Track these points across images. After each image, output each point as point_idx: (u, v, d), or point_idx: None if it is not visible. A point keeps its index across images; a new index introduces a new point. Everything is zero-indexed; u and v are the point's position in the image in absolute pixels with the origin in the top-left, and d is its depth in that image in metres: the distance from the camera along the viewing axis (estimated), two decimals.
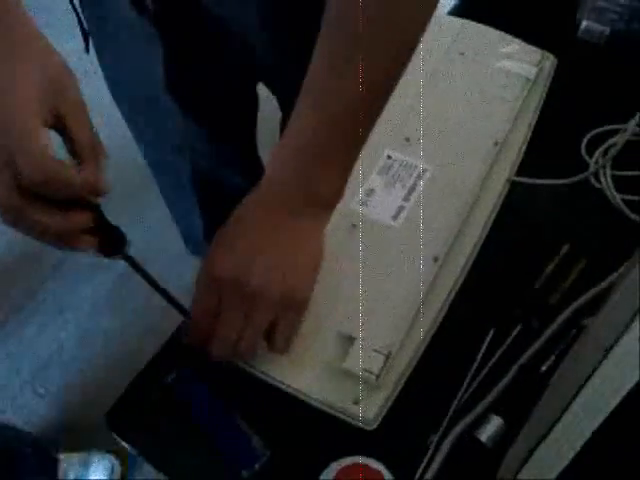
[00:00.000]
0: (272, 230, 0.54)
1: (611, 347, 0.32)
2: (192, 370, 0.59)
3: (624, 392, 0.32)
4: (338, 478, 0.46)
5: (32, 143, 0.44)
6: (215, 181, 0.98)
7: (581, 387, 0.33)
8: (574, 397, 0.33)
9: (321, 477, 0.48)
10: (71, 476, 1.28)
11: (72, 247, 0.48)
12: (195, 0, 0.69)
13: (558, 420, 0.35)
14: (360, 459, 0.47)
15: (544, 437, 0.36)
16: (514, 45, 0.77)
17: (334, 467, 0.47)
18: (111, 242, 0.51)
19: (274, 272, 0.53)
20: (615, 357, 0.32)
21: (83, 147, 0.48)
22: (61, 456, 1.28)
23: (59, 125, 0.47)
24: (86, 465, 1.28)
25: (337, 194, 0.56)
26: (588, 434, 0.34)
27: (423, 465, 0.52)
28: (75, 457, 1.29)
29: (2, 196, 0.45)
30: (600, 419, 0.33)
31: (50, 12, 1.16)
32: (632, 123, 0.69)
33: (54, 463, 1.26)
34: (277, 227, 0.54)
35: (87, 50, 0.75)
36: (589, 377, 0.32)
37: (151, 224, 1.58)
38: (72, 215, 0.47)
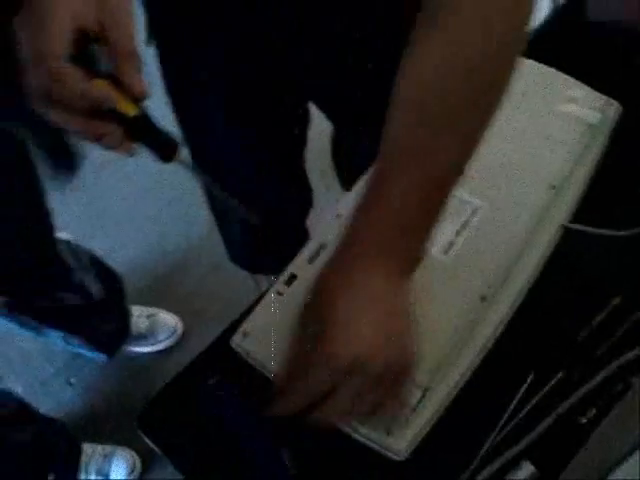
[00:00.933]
0: (379, 301, 0.51)
1: None
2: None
3: None
4: None
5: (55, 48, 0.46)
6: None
7: (627, 455, 0.32)
8: (618, 462, 0.33)
9: None
10: (93, 467, 1.30)
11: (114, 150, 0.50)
12: None
13: None
14: None
15: None
16: (578, 89, 0.77)
17: None
18: (163, 148, 0.52)
19: (391, 349, 0.49)
20: None
21: (123, 54, 0.49)
22: (86, 446, 1.31)
23: (103, 34, 0.49)
24: (108, 458, 1.30)
25: (424, 251, 0.54)
26: None
27: None
28: (99, 448, 1.32)
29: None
30: None
31: None
32: None
33: (79, 452, 1.28)
34: (380, 297, 0.51)
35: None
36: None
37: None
38: (96, 124, 0.49)
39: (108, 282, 1.31)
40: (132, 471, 1.30)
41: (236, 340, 0.60)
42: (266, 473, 0.54)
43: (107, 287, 1.30)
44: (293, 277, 0.63)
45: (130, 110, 0.50)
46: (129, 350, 1.41)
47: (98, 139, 0.50)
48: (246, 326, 0.61)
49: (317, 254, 0.64)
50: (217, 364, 0.62)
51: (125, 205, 1.70)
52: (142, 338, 1.40)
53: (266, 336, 0.59)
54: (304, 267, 0.63)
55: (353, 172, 0.70)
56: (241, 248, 1.16)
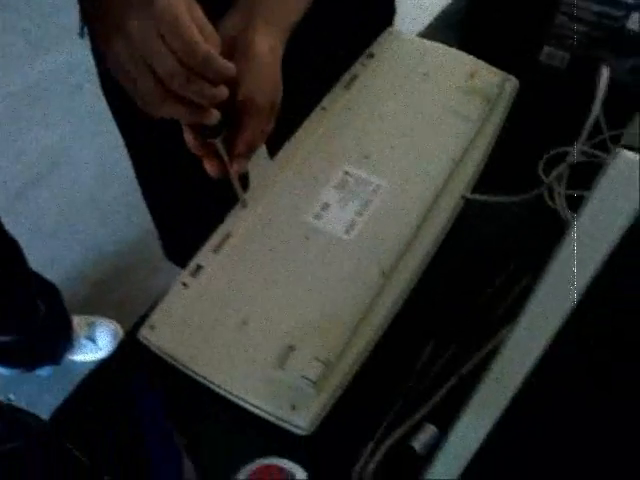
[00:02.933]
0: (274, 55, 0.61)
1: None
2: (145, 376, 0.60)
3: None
4: (251, 478, 0.47)
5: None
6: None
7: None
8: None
9: (236, 477, 0.48)
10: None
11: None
12: None
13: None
14: (275, 460, 0.48)
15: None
16: (477, 66, 0.79)
17: (248, 468, 0.48)
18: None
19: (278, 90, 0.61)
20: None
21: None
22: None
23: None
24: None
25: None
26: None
27: (357, 472, 0.53)
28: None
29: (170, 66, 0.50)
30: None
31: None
32: (579, 143, 0.70)
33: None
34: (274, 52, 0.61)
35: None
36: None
37: None
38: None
39: (47, 295, 1.30)
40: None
41: (143, 333, 0.61)
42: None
43: (46, 300, 1.29)
44: (199, 268, 0.63)
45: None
46: (72, 360, 1.40)
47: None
48: (153, 319, 0.61)
49: (222, 244, 0.64)
50: (128, 359, 0.62)
51: (59, 219, 1.70)
52: (83, 346, 1.40)
53: (173, 328, 0.60)
54: (209, 257, 0.63)
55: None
56: (178, 243, 1.16)
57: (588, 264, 0.29)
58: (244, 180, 0.73)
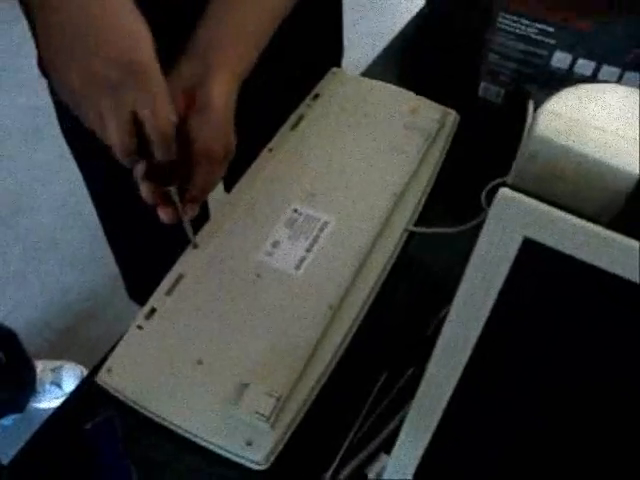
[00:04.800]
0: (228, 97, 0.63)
1: None
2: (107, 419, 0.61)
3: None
4: None
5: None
6: None
7: None
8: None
9: None
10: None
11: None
12: None
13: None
14: None
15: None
16: (418, 102, 0.82)
17: None
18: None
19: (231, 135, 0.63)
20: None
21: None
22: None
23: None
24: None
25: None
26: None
27: None
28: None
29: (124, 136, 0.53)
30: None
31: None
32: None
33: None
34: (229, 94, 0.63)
35: None
36: None
37: None
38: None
39: (5, 343, 1.29)
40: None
41: (101, 377, 0.62)
42: None
43: (5, 349, 1.28)
44: (153, 311, 0.65)
45: None
46: (36, 407, 1.39)
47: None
48: (110, 362, 0.62)
49: (174, 286, 0.66)
50: (87, 403, 0.63)
51: (21, 264, 1.70)
52: (48, 392, 1.39)
53: (129, 370, 0.61)
54: (162, 300, 0.65)
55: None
56: (141, 283, 1.17)
57: (485, 295, 0.32)
58: (204, 215, 0.74)
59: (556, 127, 0.47)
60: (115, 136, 0.54)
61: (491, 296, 0.32)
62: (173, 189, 0.61)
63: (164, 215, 0.63)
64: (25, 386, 1.35)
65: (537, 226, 0.30)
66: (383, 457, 0.57)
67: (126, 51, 0.52)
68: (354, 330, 0.63)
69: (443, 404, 0.37)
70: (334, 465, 0.57)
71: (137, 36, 0.53)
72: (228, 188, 0.77)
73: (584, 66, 0.71)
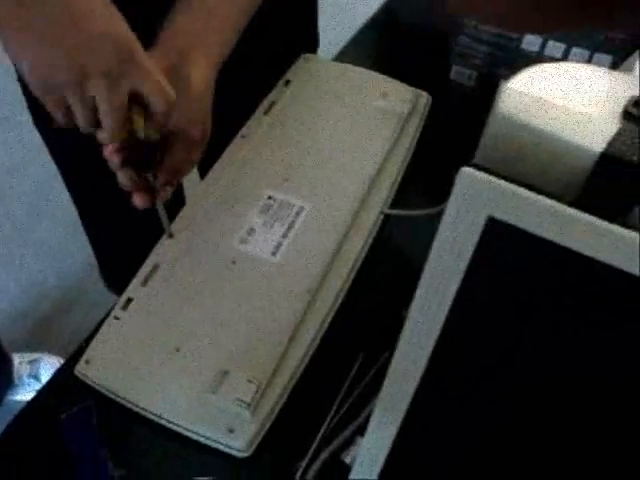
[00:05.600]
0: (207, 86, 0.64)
1: None
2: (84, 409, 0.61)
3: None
4: None
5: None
6: None
7: None
8: None
9: None
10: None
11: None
12: None
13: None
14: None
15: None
16: (390, 84, 0.82)
17: None
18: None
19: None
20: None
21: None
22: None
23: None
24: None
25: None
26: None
27: None
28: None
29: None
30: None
31: None
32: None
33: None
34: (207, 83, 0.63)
35: None
36: None
37: None
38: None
39: None
40: None
41: (79, 368, 0.62)
42: None
43: None
44: (129, 300, 0.64)
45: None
46: (13, 399, 1.38)
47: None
48: (88, 354, 0.62)
49: (150, 275, 0.66)
50: (64, 394, 0.63)
51: None
52: (26, 385, 1.38)
53: (107, 360, 0.61)
54: (138, 290, 0.65)
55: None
56: (117, 272, 1.17)
57: (451, 276, 0.32)
58: (180, 202, 0.74)
59: (518, 105, 0.48)
60: (109, 119, 0.53)
61: (456, 276, 0.32)
62: (150, 174, 0.60)
63: (139, 201, 0.62)
64: (1, 379, 1.34)
65: (501, 205, 0.30)
66: (360, 441, 0.57)
67: (112, 29, 0.52)
68: (332, 314, 0.64)
69: (411, 389, 0.37)
70: (311, 450, 0.57)
71: (118, 16, 0.53)
72: (202, 174, 0.76)
73: (554, 48, 0.72)
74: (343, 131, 0.78)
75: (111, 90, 0.52)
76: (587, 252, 0.28)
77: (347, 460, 0.56)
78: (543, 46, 0.72)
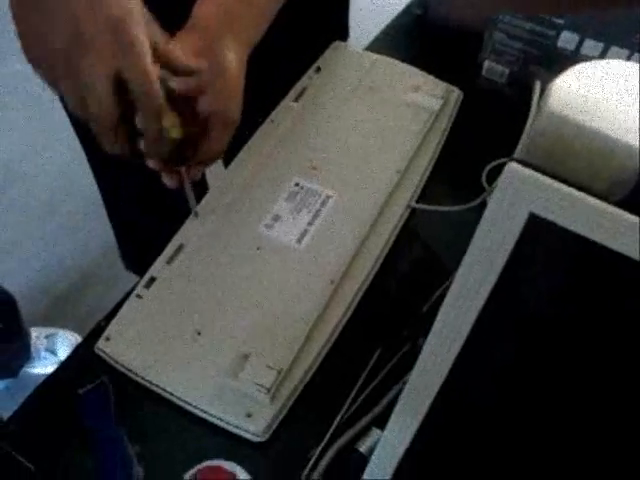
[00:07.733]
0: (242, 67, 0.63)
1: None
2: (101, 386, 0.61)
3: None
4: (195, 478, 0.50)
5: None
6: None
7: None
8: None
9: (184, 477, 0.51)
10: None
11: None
12: None
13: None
14: (219, 462, 0.51)
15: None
16: (421, 78, 0.82)
17: (196, 468, 0.51)
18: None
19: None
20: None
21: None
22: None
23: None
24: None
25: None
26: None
27: (305, 476, 0.55)
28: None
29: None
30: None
31: None
32: (516, 155, 0.74)
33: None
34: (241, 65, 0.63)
35: None
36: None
37: None
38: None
39: (2, 307, 1.30)
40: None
41: (99, 345, 0.62)
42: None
43: (2, 313, 1.29)
44: (152, 280, 0.65)
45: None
46: (30, 372, 1.40)
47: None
48: (109, 331, 0.62)
49: (175, 255, 0.66)
50: (82, 370, 0.63)
51: (17, 232, 1.70)
52: (43, 358, 1.40)
53: (128, 339, 0.62)
54: (163, 269, 0.65)
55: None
56: (137, 253, 1.18)
57: (489, 270, 0.32)
58: (202, 189, 0.74)
59: (568, 103, 0.47)
60: (97, 103, 0.53)
61: (494, 271, 0.32)
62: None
63: (169, 181, 0.62)
64: (19, 352, 1.36)
65: (544, 202, 0.29)
66: (375, 432, 0.57)
67: (112, 9, 0.51)
68: (354, 305, 0.64)
69: (440, 380, 0.37)
70: (326, 438, 0.57)
71: None
72: (226, 162, 0.76)
73: (591, 47, 0.71)
74: (373, 122, 0.77)
75: (95, 66, 0.51)
76: (632, 255, 0.28)
77: (362, 450, 0.56)
78: (580, 44, 0.71)
